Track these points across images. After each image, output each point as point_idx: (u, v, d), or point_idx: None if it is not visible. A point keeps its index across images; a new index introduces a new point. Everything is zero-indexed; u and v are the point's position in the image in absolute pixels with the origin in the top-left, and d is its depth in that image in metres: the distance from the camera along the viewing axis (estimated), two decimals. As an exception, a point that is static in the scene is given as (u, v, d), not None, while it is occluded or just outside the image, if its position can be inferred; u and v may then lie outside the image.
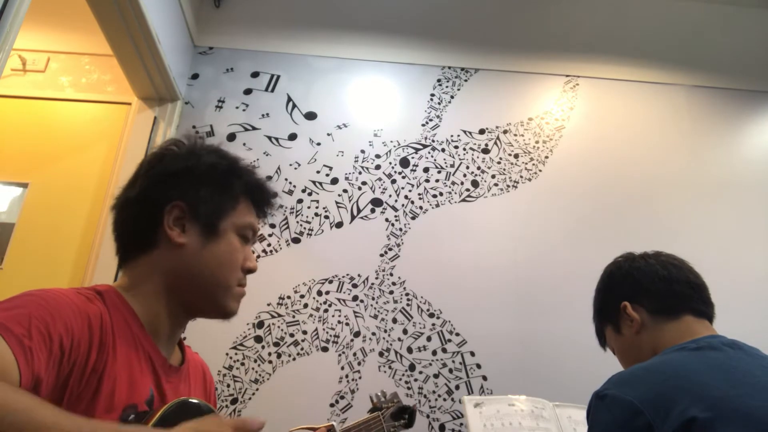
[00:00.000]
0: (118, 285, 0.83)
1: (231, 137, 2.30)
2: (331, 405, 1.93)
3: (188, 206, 0.84)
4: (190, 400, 0.75)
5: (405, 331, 2.05)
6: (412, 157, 2.32)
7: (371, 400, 1.32)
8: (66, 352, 0.64)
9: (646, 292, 1.07)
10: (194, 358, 0.95)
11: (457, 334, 2.06)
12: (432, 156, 2.32)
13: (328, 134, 2.33)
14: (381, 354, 2.02)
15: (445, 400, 1.98)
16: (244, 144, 2.29)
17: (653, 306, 1.05)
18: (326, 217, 2.20)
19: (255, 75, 2.42)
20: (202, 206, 0.84)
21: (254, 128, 2.32)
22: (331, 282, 2.10)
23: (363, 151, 2.31)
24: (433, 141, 2.35)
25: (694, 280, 1.07)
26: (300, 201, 2.22)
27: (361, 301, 2.08)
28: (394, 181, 2.27)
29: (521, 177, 2.31)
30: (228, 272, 0.85)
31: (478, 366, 2.02)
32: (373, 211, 2.22)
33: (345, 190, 2.24)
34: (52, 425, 0.52)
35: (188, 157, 0.87)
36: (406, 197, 2.25)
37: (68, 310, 0.67)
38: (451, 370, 2.01)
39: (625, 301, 1.08)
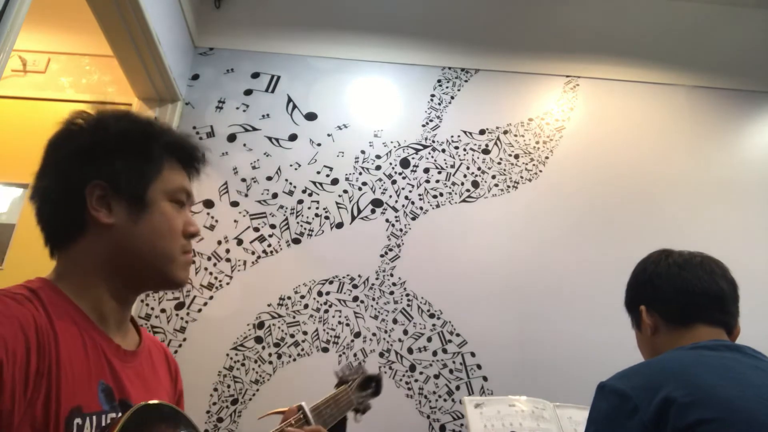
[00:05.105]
0: (52, 277, 0.77)
1: (231, 138, 2.30)
2: (332, 406, 1.93)
3: (108, 183, 0.77)
4: (150, 403, 0.69)
5: (405, 332, 2.05)
6: (413, 158, 2.32)
7: (336, 375, 1.28)
8: (2, 363, 0.60)
9: (662, 301, 1.09)
10: (153, 340, 0.91)
11: (458, 335, 2.06)
12: (432, 156, 2.32)
13: (329, 135, 2.33)
14: (381, 354, 2.02)
15: (445, 400, 1.98)
16: (245, 145, 2.29)
17: (667, 315, 1.07)
18: (326, 217, 2.20)
19: (255, 76, 2.42)
20: (122, 180, 0.78)
21: (254, 129, 2.32)
22: (331, 282, 2.10)
23: (363, 152, 2.31)
24: (434, 141, 2.35)
25: (715, 290, 1.07)
26: (300, 201, 2.22)
27: (362, 301, 2.08)
28: (394, 182, 2.27)
29: (521, 177, 2.31)
30: (168, 242, 0.80)
31: (479, 366, 2.02)
32: (373, 211, 2.22)
33: (345, 191, 2.24)
34: None
35: (95, 130, 0.79)
36: (406, 198, 2.25)
37: None
38: (451, 371, 2.01)
39: (642, 305, 1.11)
